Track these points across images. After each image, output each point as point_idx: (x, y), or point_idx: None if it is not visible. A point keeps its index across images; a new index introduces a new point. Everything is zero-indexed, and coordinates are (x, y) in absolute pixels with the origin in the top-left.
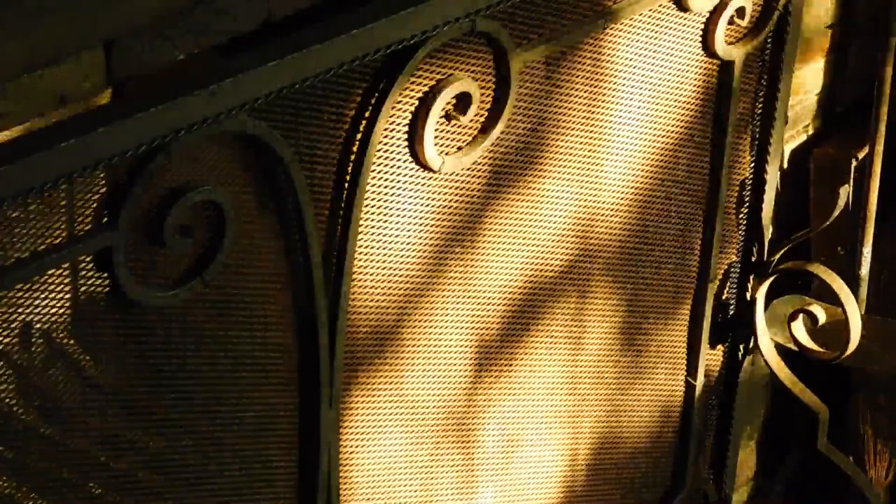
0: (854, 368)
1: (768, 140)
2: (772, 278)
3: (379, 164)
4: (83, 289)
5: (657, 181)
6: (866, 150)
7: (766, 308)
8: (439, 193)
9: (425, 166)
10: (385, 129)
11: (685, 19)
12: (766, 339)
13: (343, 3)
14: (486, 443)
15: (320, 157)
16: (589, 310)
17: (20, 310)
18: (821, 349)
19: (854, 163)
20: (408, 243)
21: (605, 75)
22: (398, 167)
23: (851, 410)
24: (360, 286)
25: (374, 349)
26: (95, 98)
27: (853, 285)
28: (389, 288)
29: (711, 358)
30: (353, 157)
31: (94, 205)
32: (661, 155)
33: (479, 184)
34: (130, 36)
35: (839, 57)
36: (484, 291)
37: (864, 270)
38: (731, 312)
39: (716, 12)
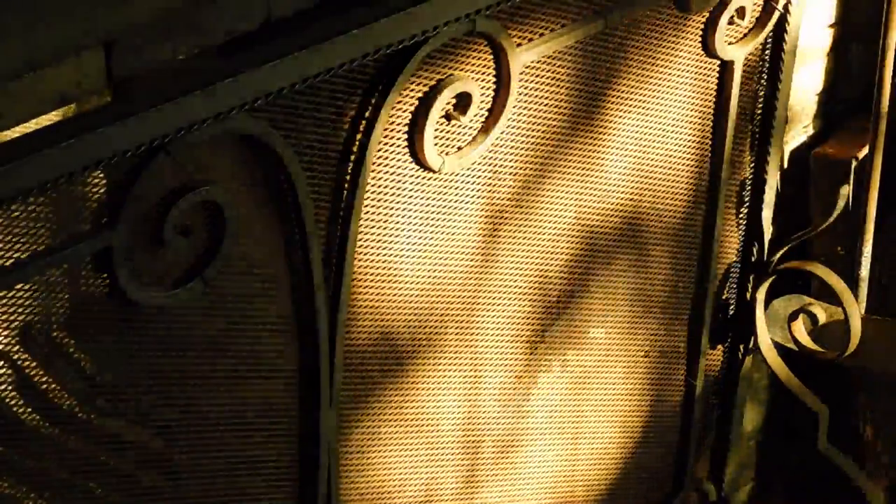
0: (854, 368)
1: (768, 140)
2: (772, 278)
3: (379, 164)
4: (83, 289)
5: (657, 181)
6: (866, 150)
7: (766, 308)
8: (439, 193)
9: (425, 166)
10: (385, 129)
11: (685, 19)
12: (766, 339)
13: (343, 3)
14: (487, 442)
15: (320, 157)
16: (589, 310)
17: (20, 310)
18: (821, 349)
19: (854, 163)
20: (408, 243)
21: (605, 75)
22: (398, 167)
23: (851, 410)
24: (360, 286)
25: (374, 349)
26: (95, 98)
27: (853, 285)
28: (389, 287)
29: (711, 358)
30: (353, 157)
31: (94, 205)
32: (661, 155)
33: (479, 184)
34: (130, 36)
35: (839, 57)
36: (483, 291)
37: (864, 271)
38: (731, 312)
39: (716, 12)
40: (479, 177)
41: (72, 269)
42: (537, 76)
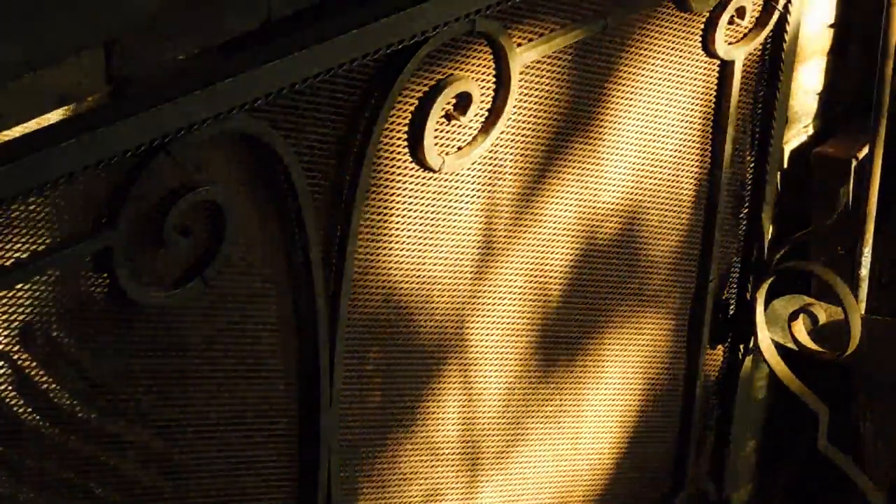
0: (854, 368)
1: (768, 140)
2: (772, 278)
3: (379, 164)
4: (83, 289)
5: (657, 181)
6: (866, 150)
7: (766, 308)
8: (439, 193)
9: (425, 166)
10: (385, 129)
11: (685, 19)
12: (766, 339)
13: (343, 3)
14: (488, 442)
15: (320, 157)
16: (589, 309)
17: (20, 310)
18: (821, 349)
19: (854, 163)
20: (408, 243)
21: (605, 75)
22: (398, 167)
23: (851, 410)
24: (360, 286)
25: (374, 349)
26: (95, 98)
27: (853, 285)
28: (389, 288)
29: (711, 358)
30: (353, 157)
31: (94, 205)
32: (661, 155)
33: (479, 184)
34: (130, 36)
35: (839, 57)
36: (483, 291)
37: (864, 270)
38: (731, 312)
39: (716, 12)
40: (479, 177)
41: (72, 269)
42: (537, 76)
